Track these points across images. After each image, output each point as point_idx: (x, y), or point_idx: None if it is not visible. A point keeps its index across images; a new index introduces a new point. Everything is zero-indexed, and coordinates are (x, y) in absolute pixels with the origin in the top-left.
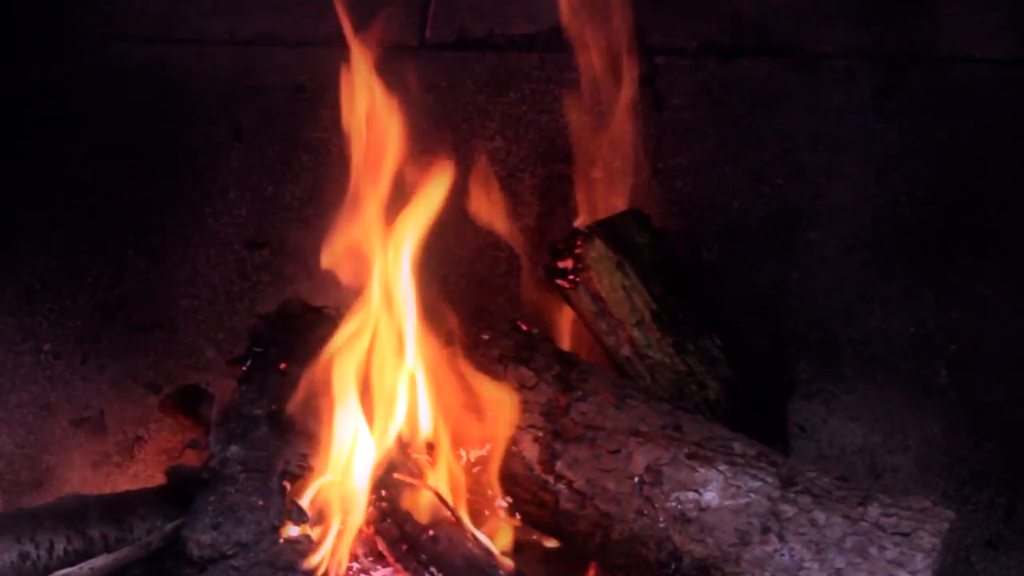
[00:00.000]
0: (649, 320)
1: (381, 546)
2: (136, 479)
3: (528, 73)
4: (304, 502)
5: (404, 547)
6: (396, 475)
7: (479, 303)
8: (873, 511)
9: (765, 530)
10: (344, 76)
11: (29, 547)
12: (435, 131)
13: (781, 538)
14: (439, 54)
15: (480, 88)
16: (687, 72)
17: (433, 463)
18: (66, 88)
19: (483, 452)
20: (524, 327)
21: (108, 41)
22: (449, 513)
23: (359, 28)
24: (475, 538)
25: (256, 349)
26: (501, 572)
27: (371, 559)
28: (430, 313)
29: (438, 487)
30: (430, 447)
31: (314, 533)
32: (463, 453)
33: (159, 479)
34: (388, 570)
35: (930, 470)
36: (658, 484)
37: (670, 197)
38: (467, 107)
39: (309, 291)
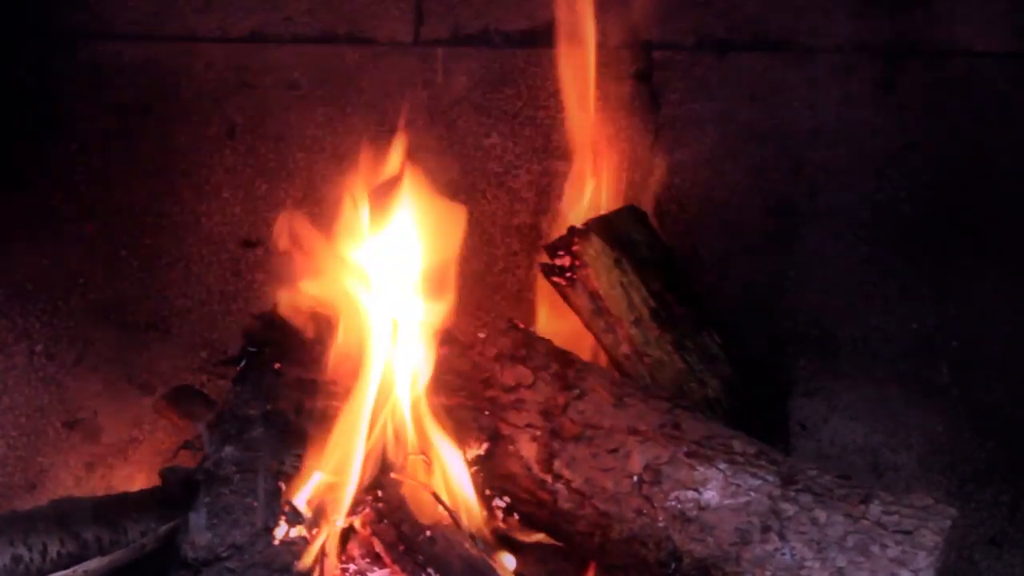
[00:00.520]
0: (647, 318)
1: (378, 547)
2: (130, 481)
3: (524, 69)
4: (300, 503)
5: (401, 548)
6: (393, 475)
7: (475, 301)
8: (875, 509)
9: (766, 529)
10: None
11: (22, 550)
12: (431, 128)
13: (782, 537)
14: (433, 50)
15: (475, 84)
16: (685, 67)
17: (430, 463)
18: (57, 86)
19: (480, 451)
20: (521, 325)
21: (100, 39)
22: (447, 514)
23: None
24: (472, 539)
25: (250, 349)
26: (499, 573)
27: (368, 560)
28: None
29: (435, 487)
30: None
31: (310, 534)
32: (460, 452)
33: (153, 481)
34: (385, 571)
35: (932, 468)
36: (657, 483)
37: (668, 193)
38: (462, 103)
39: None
